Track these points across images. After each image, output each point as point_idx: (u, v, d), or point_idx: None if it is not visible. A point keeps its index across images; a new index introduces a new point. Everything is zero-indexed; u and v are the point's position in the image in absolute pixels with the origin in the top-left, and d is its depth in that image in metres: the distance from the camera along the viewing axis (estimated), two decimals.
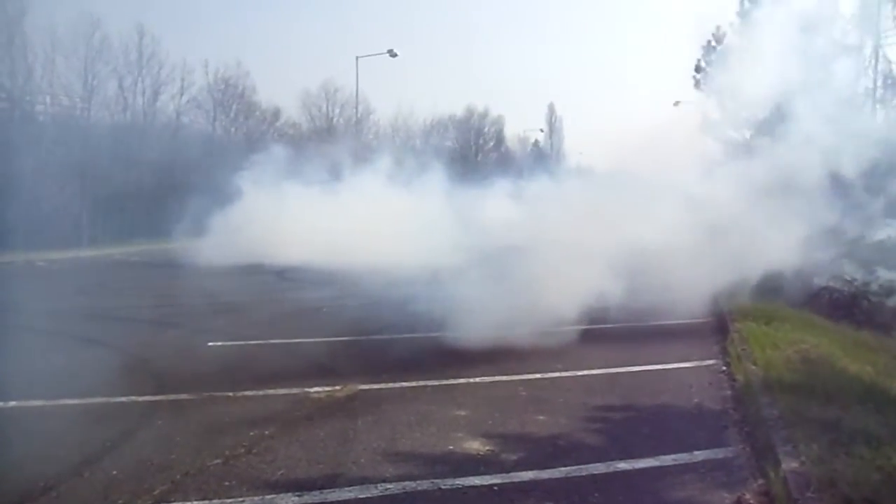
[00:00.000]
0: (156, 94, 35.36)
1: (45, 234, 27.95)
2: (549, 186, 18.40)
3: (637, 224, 9.75)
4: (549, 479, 4.58)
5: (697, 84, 16.84)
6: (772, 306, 9.51)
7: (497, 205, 22.82)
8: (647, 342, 8.63)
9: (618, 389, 6.78)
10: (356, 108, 41.93)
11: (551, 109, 70.43)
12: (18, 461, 5.07)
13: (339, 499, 4.33)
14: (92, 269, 21.29)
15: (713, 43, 16.48)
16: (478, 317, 8.48)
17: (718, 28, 16.31)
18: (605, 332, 9.44)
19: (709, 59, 16.68)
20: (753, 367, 6.80)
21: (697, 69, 16.84)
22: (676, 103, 49.58)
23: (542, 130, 68.01)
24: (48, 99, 32.57)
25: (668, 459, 4.88)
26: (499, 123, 59.04)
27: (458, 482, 4.51)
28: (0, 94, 30.16)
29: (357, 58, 39.11)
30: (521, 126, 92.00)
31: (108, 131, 33.99)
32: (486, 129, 57.97)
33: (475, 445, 5.22)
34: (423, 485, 4.48)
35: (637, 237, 9.59)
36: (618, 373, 7.36)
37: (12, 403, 6.42)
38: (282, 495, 4.37)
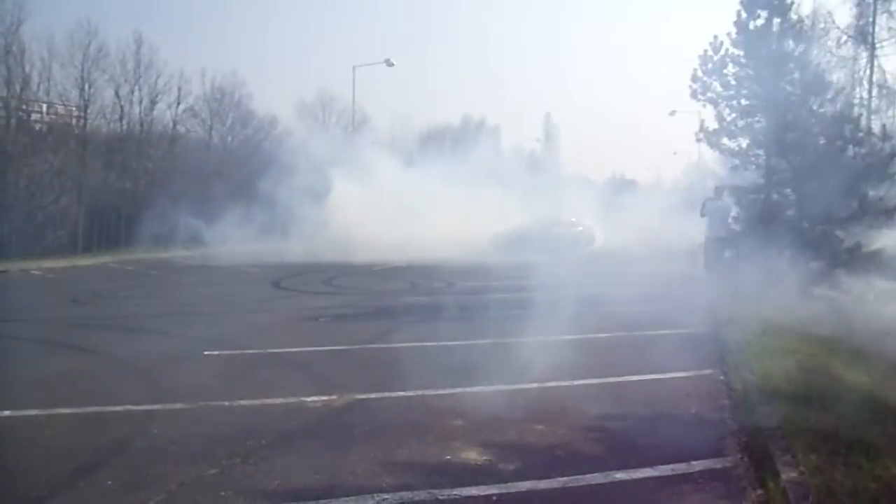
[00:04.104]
0: (153, 103, 35.37)
1: (40, 243, 27.96)
2: None
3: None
4: (548, 489, 4.55)
5: (694, 94, 16.76)
6: (769, 315, 9.49)
7: None
8: (643, 351, 8.61)
9: (615, 399, 6.76)
10: (353, 117, 42.01)
11: (548, 119, 70.78)
12: (12, 471, 5.04)
13: None
14: (91, 278, 21.20)
15: (710, 52, 16.42)
16: None
17: (716, 38, 16.25)
18: (600, 342, 9.44)
19: (705, 69, 16.62)
20: (751, 377, 6.78)
21: (694, 78, 16.76)
22: (672, 113, 50.04)
23: (538, 140, 68.21)
24: (44, 107, 32.53)
25: (666, 469, 4.84)
26: (495, 133, 59.25)
27: (455, 492, 4.48)
28: None
29: (354, 67, 39.26)
30: (518, 136, 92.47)
31: (105, 140, 33.96)
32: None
33: (473, 455, 5.19)
34: (421, 495, 4.44)
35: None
36: (615, 382, 7.34)
37: (6, 413, 6.38)
38: None
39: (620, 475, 4.75)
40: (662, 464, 4.92)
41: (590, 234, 29.65)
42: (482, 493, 4.47)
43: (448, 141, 32.68)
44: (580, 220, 30.03)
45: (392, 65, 39.45)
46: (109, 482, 4.73)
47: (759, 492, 4.43)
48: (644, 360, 8.18)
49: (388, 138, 30.76)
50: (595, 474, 4.77)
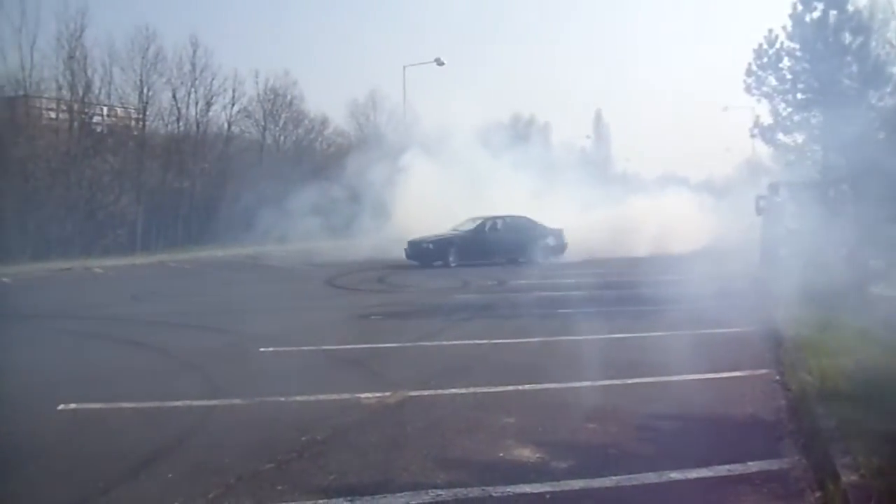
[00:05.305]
0: (208, 104, 36.03)
1: (101, 242, 28.77)
2: None
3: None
4: (601, 488, 4.54)
5: (748, 88, 16.51)
6: (826, 314, 9.29)
7: None
8: (698, 351, 8.52)
9: (669, 398, 6.70)
10: (403, 116, 42.19)
11: (598, 116, 70.28)
12: (78, 462, 5.20)
13: None
14: (150, 276, 21.71)
15: (765, 46, 16.15)
16: None
17: (770, 31, 15.99)
18: (653, 341, 9.36)
19: (760, 63, 16.34)
20: (808, 377, 6.64)
21: (748, 73, 16.50)
22: (726, 108, 49.13)
23: (588, 137, 67.66)
24: (105, 110, 33.41)
25: (721, 470, 4.79)
26: (545, 130, 58.81)
27: (508, 490, 4.49)
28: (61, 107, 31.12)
29: (404, 67, 39.46)
30: (568, 133, 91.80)
31: (162, 141, 34.76)
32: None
33: (525, 453, 5.20)
34: (474, 492, 4.47)
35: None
36: (669, 381, 7.28)
37: (73, 405, 6.59)
38: (334, 500, 4.39)
39: (675, 475, 4.71)
40: (718, 464, 4.86)
41: (558, 241, 24.09)
42: (535, 491, 4.47)
43: (499, 138, 32.36)
44: (545, 224, 24.08)
45: (442, 64, 39.62)
46: (170, 475, 4.85)
47: (818, 494, 4.35)
48: (697, 359, 8.09)
49: (439, 137, 30.59)
50: (649, 474, 4.73)
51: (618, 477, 4.69)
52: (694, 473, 4.74)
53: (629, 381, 7.24)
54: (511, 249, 23.35)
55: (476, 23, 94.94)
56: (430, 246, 22.48)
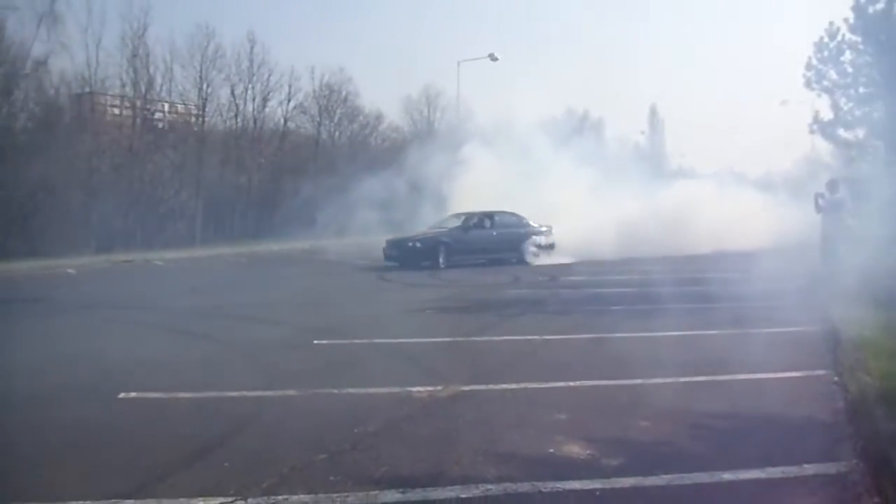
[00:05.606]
0: (265, 100, 36.65)
1: (161, 235, 29.50)
2: None
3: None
4: (651, 487, 4.51)
5: (808, 83, 16.10)
6: (887, 314, 9.05)
7: None
8: (754, 350, 8.38)
9: (723, 397, 6.61)
10: (457, 111, 42.17)
11: (653, 111, 69.24)
12: (136, 450, 5.34)
13: (442, 497, 4.38)
14: (209, 269, 22.15)
15: (825, 39, 15.74)
16: None
17: (832, 24, 15.57)
18: (708, 339, 9.24)
19: (821, 57, 15.94)
20: (867, 378, 6.50)
21: (808, 67, 16.10)
22: (784, 102, 47.98)
23: (642, 132, 66.71)
24: (166, 107, 34.22)
25: (775, 472, 4.71)
26: (599, 126, 58.12)
27: (558, 486, 4.49)
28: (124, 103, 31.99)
29: (458, 62, 39.42)
30: (622, 128, 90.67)
31: (221, 137, 35.44)
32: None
33: (575, 449, 5.19)
34: (524, 486, 4.48)
35: None
36: (723, 380, 7.17)
37: (133, 394, 6.79)
38: (385, 492, 4.45)
39: (727, 475, 4.65)
40: (772, 466, 4.78)
41: (547, 239, 22.21)
42: (585, 488, 4.47)
43: (555, 133, 31.87)
44: (532, 221, 22.48)
45: (496, 59, 39.47)
46: (226, 464, 4.97)
47: (877, 499, 4.26)
48: (753, 358, 7.94)
49: (495, 131, 30.35)
50: (701, 473, 4.68)
51: (669, 476, 4.65)
52: (747, 475, 4.67)
53: (682, 380, 7.16)
54: (501, 248, 21.77)
55: (530, 18, 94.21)
56: (418, 245, 20.52)
